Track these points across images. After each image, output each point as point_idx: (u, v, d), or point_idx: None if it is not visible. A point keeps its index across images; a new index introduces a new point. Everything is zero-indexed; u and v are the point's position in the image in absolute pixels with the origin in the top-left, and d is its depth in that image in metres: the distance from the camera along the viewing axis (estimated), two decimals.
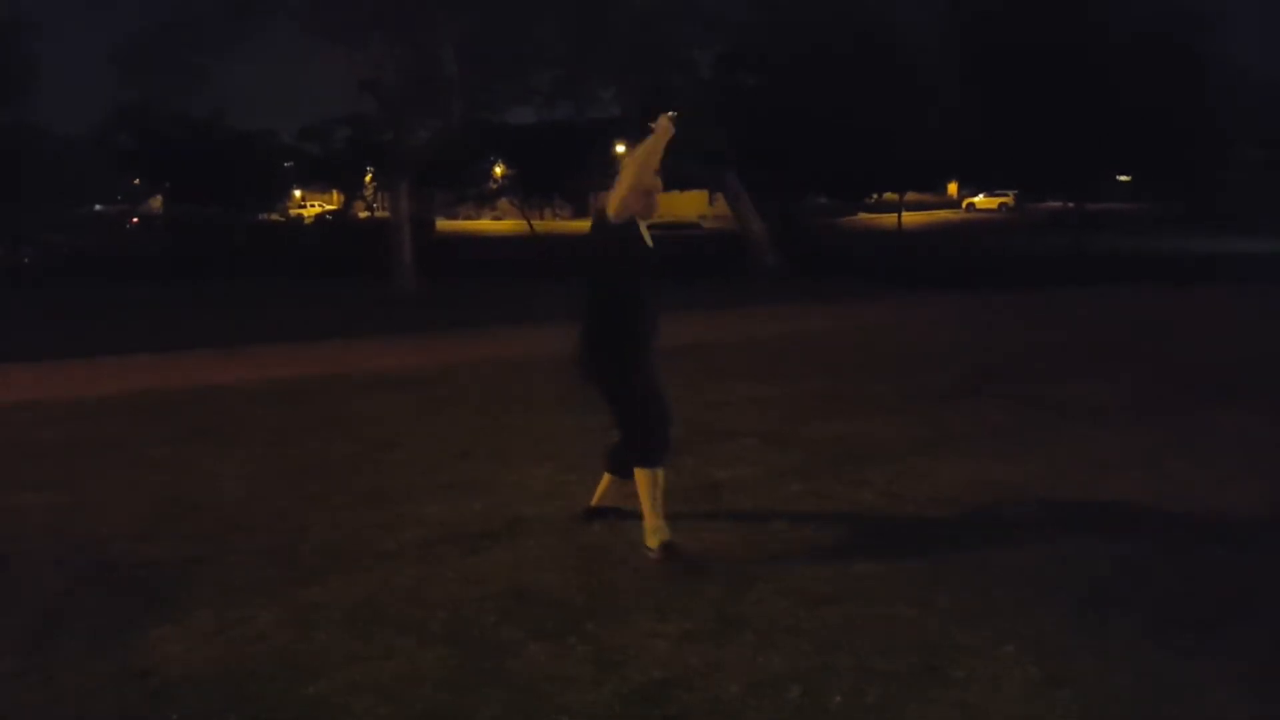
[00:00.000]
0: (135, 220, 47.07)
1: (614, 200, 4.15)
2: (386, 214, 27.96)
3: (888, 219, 44.51)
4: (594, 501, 4.66)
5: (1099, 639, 3.35)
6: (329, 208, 51.89)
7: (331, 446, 6.29)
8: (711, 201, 45.38)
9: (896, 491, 5.04)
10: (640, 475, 4.23)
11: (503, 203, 42.04)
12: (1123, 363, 9.01)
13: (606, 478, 4.59)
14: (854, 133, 25.22)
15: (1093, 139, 27.36)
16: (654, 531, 4.21)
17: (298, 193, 55.29)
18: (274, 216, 44.64)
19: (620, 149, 33.91)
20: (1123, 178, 39.85)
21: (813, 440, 6.13)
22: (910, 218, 45.20)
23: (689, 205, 50.84)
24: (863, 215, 47.76)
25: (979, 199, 54.06)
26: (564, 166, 31.07)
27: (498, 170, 38.06)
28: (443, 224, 42.65)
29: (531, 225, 36.36)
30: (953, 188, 56.16)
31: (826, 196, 35.86)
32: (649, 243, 4.25)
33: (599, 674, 3.21)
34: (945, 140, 26.20)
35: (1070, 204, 35.38)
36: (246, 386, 8.54)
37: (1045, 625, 3.45)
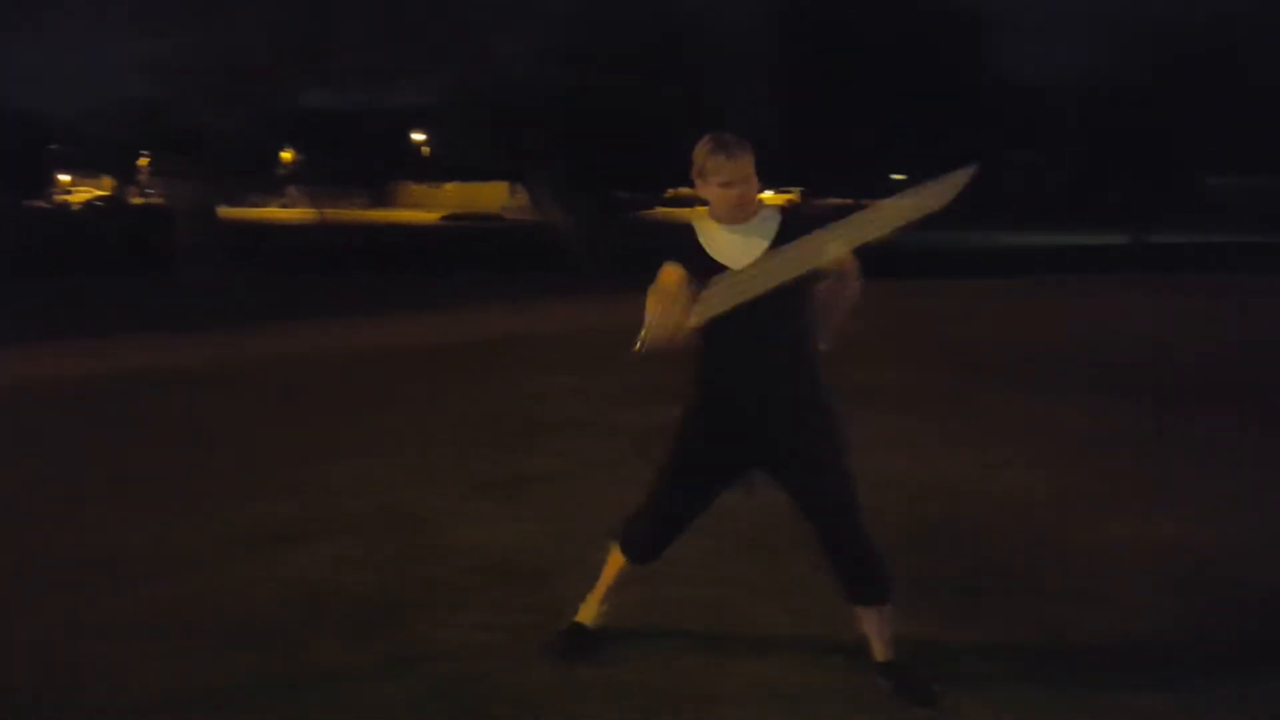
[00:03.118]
0: None
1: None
2: (163, 201, 26.42)
3: (685, 213, 45.60)
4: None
5: (849, 606, 3.59)
6: (100, 193, 48.46)
7: (123, 449, 5.97)
8: (512, 193, 45.26)
9: None
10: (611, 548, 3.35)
11: (293, 190, 40.48)
12: (904, 351, 9.57)
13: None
14: (652, 127, 25.69)
15: (872, 139, 28.92)
16: (583, 606, 3.40)
17: (65, 177, 51.40)
18: (39, 203, 41.33)
19: (419, 137, 33.37)
20: (897, 176, 42.40)
21: (622, 429, 6.27)
22: (705, 211, 46.46)
23: (490, 197, 50.51)
24: (660, 209, 48.67)
25: (766, 195, 56.15)
26: (360, 154, 30.19)
27: (286, 156, 36.58)
28: (228, 212, 40.66)
29: (323, 214, 35.15)
30: None
31: (628, 190, 36.34)
32: (726, 258, 2.93)
33: (401, 670, 3.23)
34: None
35: (851, 201, 37.32)
36: (27, 387, 7.93)
37: (824, 597, 3.68)
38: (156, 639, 3.42)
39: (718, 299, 2.81)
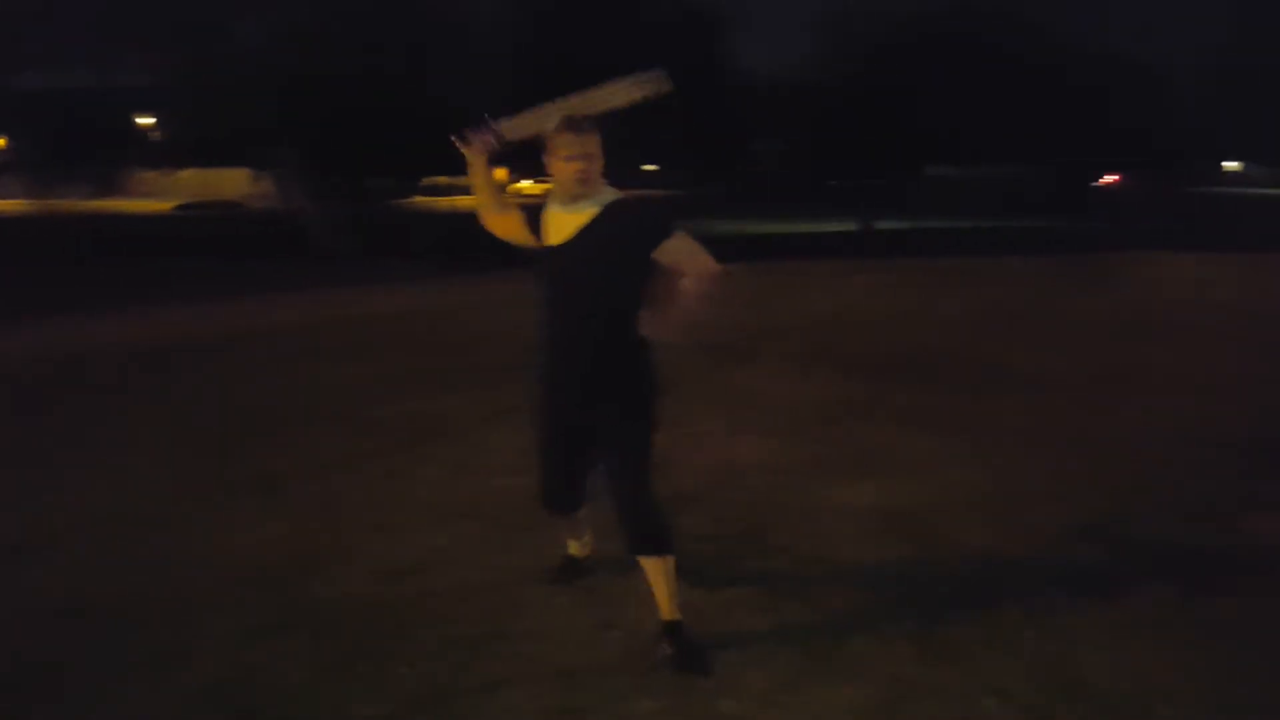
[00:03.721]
0: None
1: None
2: None
3: (442, 201, 44.95)
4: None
5: (641, 585, 3.69)
6: None
7: None
8: (256, 180, 43.07)
9: (463, 463, 5.22)
10: None
11: (5, 179, 36.81)
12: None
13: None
14: (408, 116, 25.14)
15: (619, 131, 29.55)
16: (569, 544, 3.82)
17: None
18: None
19: (145, 121, 31.10)
20: (649, 167, 43.57)
21: (383, 420, 6.14)
22: (465, 201, 45.97)
23: (231, 184, 47.84)
24: (418, 198, 47.72)
25: (525, 184, 56.23)
26: (83, 139, 27.78)
27: None
28: None
29: (42, 205, 32.19)
30: (501, 173, 57.95)
31: (382, 178, 35.44)
32: (551, 234, 3.15)
33: (160, 678, 3.08)
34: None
35: None
36: None
37: (598, 576, 3.79)
38: None
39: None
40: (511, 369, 7.19)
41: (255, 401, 6.72)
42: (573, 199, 3.11)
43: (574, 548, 3.82)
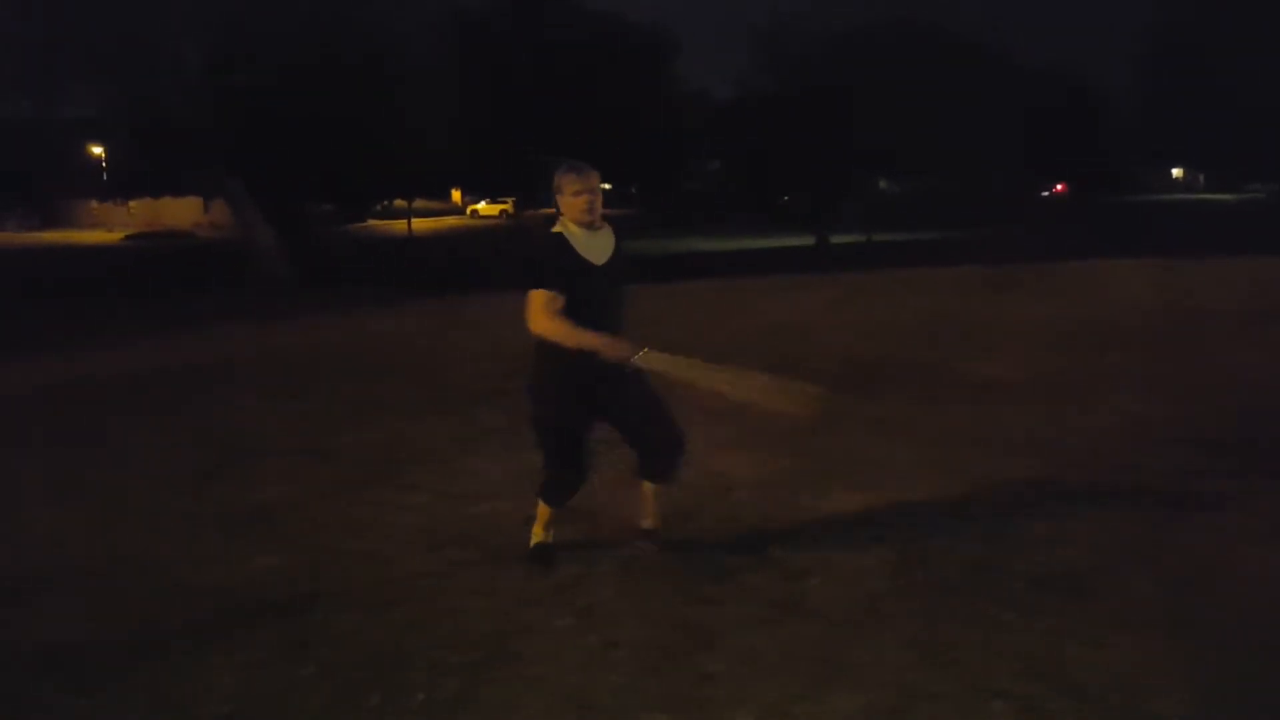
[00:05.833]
0: None
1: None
2: None
3: (398, 225, 44.81)
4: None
5: (642, 602, 3.75)
6: None
7: None
8: (207, 209, 42.68)
9: (445, 490, 5.20)
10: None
11: None
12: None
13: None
14: (357, 141, 25.06)
15: (574, 150, 29.81)
16: (534, 535, 4.20)
17: None
18: None
19: (97, 151, 30.69)
20: (604, 185, 43.79)
21: (357, 449, 6.11)
22: (420, 224, 45.87)
23: (182, 213, 47.34)
24: (372, 222, 47.52)
25: (482, 205, 56.23)
26: (29, 170, 27.33)
27: None
28: None
29: None
30: (456, 194, 57.82)
31: (334, 203, 35.29)
32: (591, 257, 3.81)
33: (161, 718, 3.04)
34: (448, 149, 26.92)
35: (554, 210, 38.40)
36: None
37: (599, 595, 3.80)
38: None
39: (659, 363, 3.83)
40: (476, 394, 7.23)
41: (224, 435, 6.65)
42: (588, 226, 3.82)
43: (546, 535, 4.18)
